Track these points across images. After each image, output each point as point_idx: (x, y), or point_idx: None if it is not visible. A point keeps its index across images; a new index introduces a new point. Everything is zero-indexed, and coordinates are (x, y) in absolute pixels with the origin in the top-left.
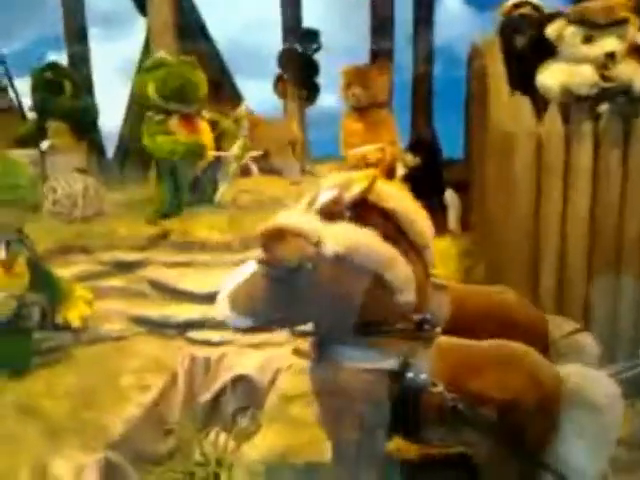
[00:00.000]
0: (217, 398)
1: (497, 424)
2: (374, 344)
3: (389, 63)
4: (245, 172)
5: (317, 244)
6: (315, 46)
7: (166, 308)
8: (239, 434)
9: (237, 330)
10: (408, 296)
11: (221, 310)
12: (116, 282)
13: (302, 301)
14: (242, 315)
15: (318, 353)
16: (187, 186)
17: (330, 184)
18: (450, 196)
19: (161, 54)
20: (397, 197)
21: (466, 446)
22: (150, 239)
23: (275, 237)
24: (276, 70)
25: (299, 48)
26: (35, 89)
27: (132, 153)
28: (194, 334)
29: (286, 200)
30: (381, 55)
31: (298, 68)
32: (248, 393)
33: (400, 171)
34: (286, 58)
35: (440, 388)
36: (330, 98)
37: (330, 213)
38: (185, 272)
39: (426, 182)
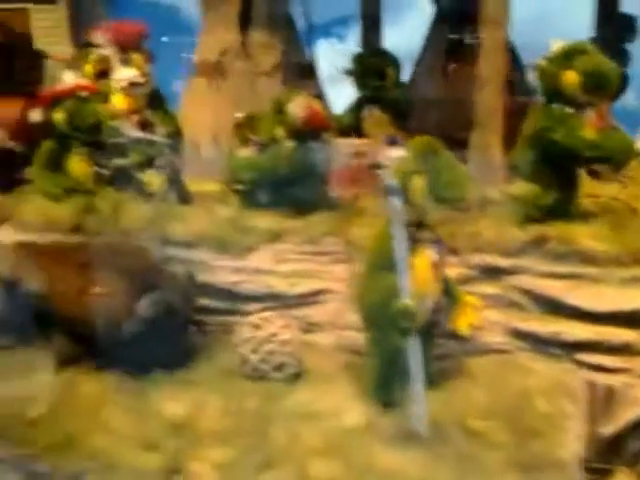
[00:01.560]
0: (620, 433)
1: None
2: None
3: None
4: None
5: None
6: (630, 35)
7: (551, 324)
8: None
9: None
10: None
11: None
12: (487, 289)
13: None
14: None
15: None
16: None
17: None
18: None
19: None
20: None
21: None
22: (523, 244)
23: None
24: None
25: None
26: (360, 75)
27: None
28: (585, 357)
29: None
30: None
31: None
32: None
33: None
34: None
35: None
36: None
37: None
38: (568, 285)
39: None
